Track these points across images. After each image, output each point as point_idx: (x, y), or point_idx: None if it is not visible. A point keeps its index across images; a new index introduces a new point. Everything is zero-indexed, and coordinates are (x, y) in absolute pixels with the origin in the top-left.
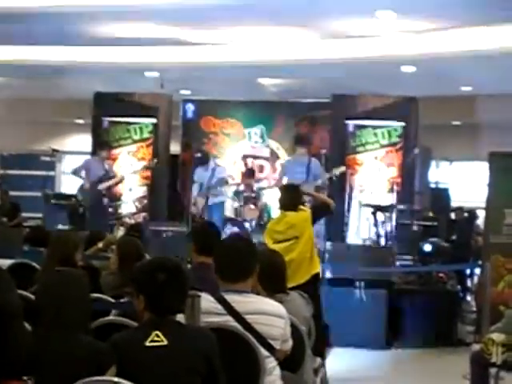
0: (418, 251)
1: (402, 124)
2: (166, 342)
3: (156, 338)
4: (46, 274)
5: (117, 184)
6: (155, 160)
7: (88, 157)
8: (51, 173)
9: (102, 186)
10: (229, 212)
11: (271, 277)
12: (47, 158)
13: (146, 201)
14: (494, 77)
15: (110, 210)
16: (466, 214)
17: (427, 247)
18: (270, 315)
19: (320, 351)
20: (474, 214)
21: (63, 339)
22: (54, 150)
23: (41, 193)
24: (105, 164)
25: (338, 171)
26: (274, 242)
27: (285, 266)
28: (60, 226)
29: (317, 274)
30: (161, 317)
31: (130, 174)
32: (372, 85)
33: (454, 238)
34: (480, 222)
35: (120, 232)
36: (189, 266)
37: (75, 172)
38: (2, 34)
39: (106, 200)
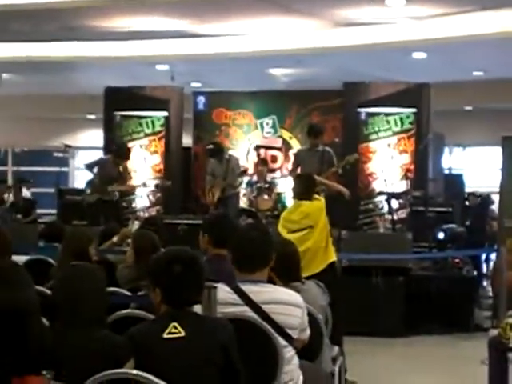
0: (433, 237)
1: (414, 110)
2: (183, 334)
3: (173, 330)
4: (62, 269)
5: (126, 191)
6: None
7: (101, 154)
8: (64, 169)
9: (112, 188)
10: (243, 203)
11: (286, 266)
12: (60, 154)
13: (159, 194)
14: (505, 61)
15: (124, 204)
16: (479, 199)
17: (442, 234)
18: (287, 304)
19: (338, 340)
20: (489, 198)
21: (80, 334)
22: (67, 146)
23: (54, 189)
24: (120, 168)
25: (351, 159)
26: (288, 231)
27: (299, 255)
28: (75, 222)
29: (333, 263)
30: (178, 309)
31: (141, 187)
32: (383, 72)
33: (468, 223)
34: (495, 206)
35: (135, 226)
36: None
37: (89, 166)
38: (12, 32)
39: (117, 194)
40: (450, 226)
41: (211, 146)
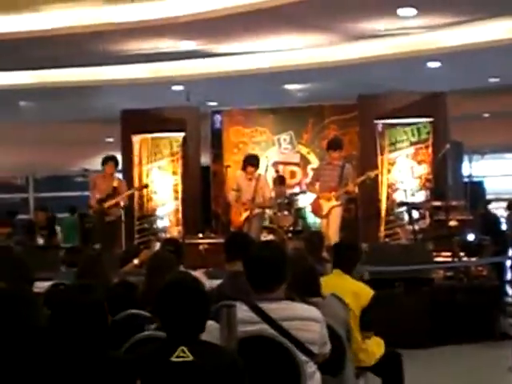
0: (458, 246)
1: (431, 120)
2: (191, 358)
3: (182, 354)
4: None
5: (126, 197)
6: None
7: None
8: (85, 193)
9: (107, 204)
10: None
11: (303, 282)
12: (80, 179)
13: (180, 214)
14: None
15: (146, 225)
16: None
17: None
18: (305, 320)
19: None
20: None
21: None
22: (86, 170)
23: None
24: (114, 181)
25: (372, 174)
26: None
27: (315, 271)
28: (96, 246)
29: None
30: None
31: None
32: (398, 83)
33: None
34: None
35: (156, 247)
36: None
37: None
38: (28, 59)
39: (111, 217)
40: (473, 234)
41: (250, 156)
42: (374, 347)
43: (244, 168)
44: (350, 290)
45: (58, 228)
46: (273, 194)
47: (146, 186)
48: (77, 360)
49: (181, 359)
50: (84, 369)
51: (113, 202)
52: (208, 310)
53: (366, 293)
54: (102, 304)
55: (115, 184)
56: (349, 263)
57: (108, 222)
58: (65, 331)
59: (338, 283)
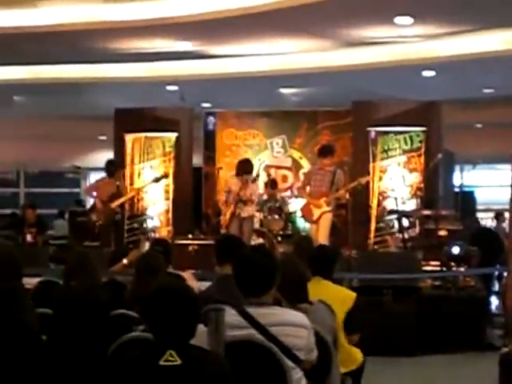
0: (445, 256)
1: (424, 129)
2: (179, 362)
3: (170, 358)
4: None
5: (129, 199)
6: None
7: (98, 176)
8: (76, 190)
9: (114, 204)
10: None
11: (292, 287)
12: (71, 175)
13: (170, 215)
14: None
15: (135, 225)
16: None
17: (455, 252)
18: (293, 326)
19: None
20: (501, 215)
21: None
22: (77, 167)
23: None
24: (116, 182)
25: (363, 181)
26: None
27: (305, 276)
28: (87, 243)
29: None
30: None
31: (144, 186)
32: (393, 90)
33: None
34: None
35: (145, 247)
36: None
37: (88, 191)
38: (23, 54)
39: (118, 216)
40: (462, 244)
41: (243, 163)
42: (356, 353)
43: (238, 175)
44: (336, 297)
45: (64, 222)
46: (265, 197)
47: (163, 177)
48: (78, 359)
49: (169, 363)
50: (85, 368)
51: (120, 201)
52: (198, 315)
53: (351, 297)
54: (108, 305)
55: (117, 182)
56: (328, 268)
57: (116, 221)
58: (68, 330)
59: (321, 291)
